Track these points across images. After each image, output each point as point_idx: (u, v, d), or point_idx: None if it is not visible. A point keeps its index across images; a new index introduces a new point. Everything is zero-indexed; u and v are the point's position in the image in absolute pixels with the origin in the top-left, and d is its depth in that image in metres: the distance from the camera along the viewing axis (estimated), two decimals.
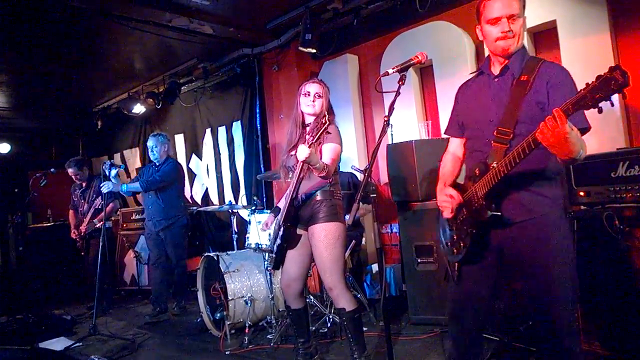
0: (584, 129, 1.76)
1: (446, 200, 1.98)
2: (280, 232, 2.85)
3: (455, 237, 2.01)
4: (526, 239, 1.86)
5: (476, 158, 1.96)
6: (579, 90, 1.54)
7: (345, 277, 2.87)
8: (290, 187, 2.81)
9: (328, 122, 2.47)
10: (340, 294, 2.79)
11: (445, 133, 2.26)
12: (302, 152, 2.45)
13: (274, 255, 2.93)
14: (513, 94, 1.87)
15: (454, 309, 2.11)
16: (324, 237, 2.76)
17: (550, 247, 1.83)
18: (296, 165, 2.72)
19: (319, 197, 2.81)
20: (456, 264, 2.02)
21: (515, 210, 1.86)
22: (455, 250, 2.01)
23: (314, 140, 2.45)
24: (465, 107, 2.08)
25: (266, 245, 3.81)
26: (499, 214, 1.83)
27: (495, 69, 1.98)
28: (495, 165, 1.79)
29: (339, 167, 3.01)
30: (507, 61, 1.92)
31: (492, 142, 1.87)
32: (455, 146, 2.20)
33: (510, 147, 1.79)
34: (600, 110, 1.46)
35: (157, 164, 4.97)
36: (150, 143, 4.95)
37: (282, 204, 2.97)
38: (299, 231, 2.89)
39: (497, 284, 2.06)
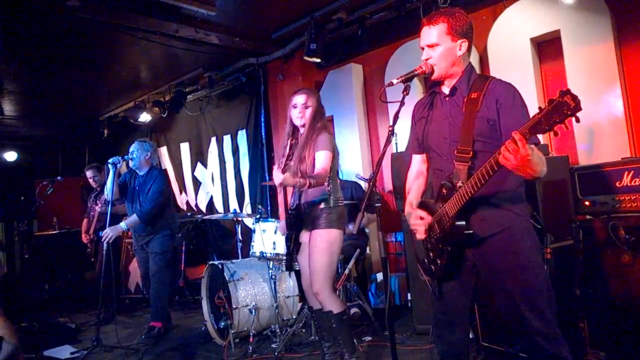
0: (535, 144, 1.81)
1: (417, 223, 2.05)
2: (286, 239, 2.98)
3: (432, 255, 2.07)
4: (495, 253, 1.92)
5: (440, 177, 2.04)
6: (527, 109, 1.70)
7: (332, 282, 2.94)
8: (282, 197, 2.96)
9: (291, 152, 2.69)
10: (326, 298, 2.87)
11: (406, 151, 2.36)
12: (276, 177, 2.58)
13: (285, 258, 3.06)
14: (466, 112, 1.94)
15: (438, 326, 2.18)
16: (319, 242, 2.85)
17: (517, 259, 1.89)
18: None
19: (321, 205, 2.90)
20: (436, 281, 2.08)
21: (481, 226, 1.92)
22: (433, 268, 2.07)
23: (283, 167, 2.59)
24: (422, 126, 2.16)
25: (271, 253, 3.81)
26: (472, 232, 1.90)
27: (445, 89, 2.06)
28: (461, 185, 1.85)
29: (341, 174, 3.06)
30: (455, 82, 2.01)
31: (455, 161, 1.94)
32: (419, 162, 2.28)
33: (473, 165, 1.86)
34: (556, 133, 1.51)
35: (140, 173, 4.50)
36: (131, 148, 4.50)
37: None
38: (305, 235, 2.98)
39: (477, 298, 2.12)
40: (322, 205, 2.89)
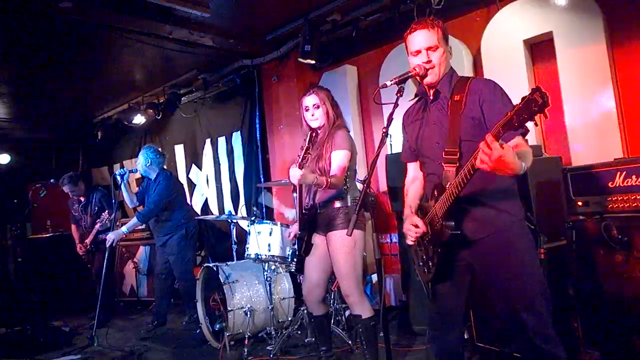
0: (524, 133, 1.81)
1: (410, 229, 2.06)
2: (297, 240, 2.92)
3: (424, 257, 2.08)
4: (490, 254, 1.93)
5: (433, 180, 2.04)
6: (509, 100, 1.78)
7: (361, 284, 2.88)
8: (297, 197, 2.86)
9: (309, 145, 2.54)
10: (356, 301, 2.81)
11: (401, 160, 2.37)
12: (293, 175, 2.51)
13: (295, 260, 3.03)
14: (451, 114, 1.96)
15: (433, 326, 2.20)
16: (341, 244, 2.76)
17: (512, 260, 1.89)
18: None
19: (336, 205, 2.83)
20: (429, 282, 2.09)
21: (475, 227, 1.93)
22: (426, 270, 2.08)
23: (300, 161, 2.50)
24: (414, 131, 2.17)
25: (266, 255, 3.81)
26: (459, 232, 1.89)
27: (430, 94, 2.09)
28: (448, 186, 1.86)
29: (356, 171, 3.02)
30: (437, 86, 2.04)
31: (443, 164, 1.94)
32: (415, 170, 2.29)
33: (461, 166, 1.86)
34: (527, 131, 1.60)
35: (151, 178, 4.75)
36: (139, 155, 4.80)
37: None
38: (318, 238, 2.91)
39: (472, 298, 2.13)
40: (338, 205, 2.81)
